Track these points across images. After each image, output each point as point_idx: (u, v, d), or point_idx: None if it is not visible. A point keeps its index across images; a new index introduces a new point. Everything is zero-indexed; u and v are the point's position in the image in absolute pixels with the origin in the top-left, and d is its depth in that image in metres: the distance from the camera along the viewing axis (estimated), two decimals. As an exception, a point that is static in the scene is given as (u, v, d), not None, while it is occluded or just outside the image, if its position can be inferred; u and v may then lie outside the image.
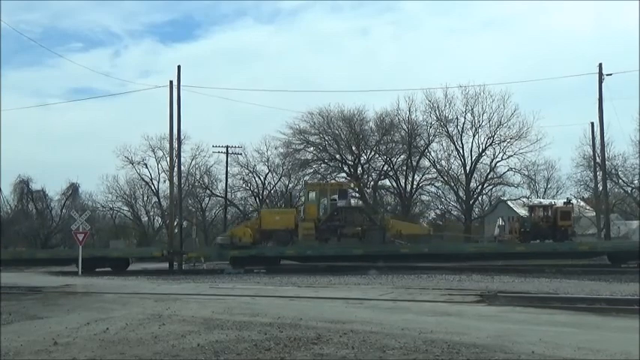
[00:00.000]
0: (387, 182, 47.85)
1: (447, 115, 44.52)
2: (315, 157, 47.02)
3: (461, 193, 45.02)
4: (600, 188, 38.36)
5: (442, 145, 45.56)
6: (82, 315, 10.82)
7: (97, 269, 28.75)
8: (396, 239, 30.07)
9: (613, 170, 41.80)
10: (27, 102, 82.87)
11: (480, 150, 44.45)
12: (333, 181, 40.12)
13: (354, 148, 46.23)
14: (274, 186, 49.49)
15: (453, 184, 45.34)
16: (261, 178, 49.26)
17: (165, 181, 45.18)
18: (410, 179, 45.88)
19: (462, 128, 44.54)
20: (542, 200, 42.79)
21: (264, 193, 49.39)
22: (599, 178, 38.32)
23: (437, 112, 44.50)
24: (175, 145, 34.82)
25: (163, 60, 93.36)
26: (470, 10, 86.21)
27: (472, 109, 44.12)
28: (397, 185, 46.66)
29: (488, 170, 44.92)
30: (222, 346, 7.57)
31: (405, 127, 45.37)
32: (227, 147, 49.06)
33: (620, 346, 7.28)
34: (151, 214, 53.20)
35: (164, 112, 33.52)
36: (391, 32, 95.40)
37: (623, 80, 57.26)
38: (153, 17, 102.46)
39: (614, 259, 29.17)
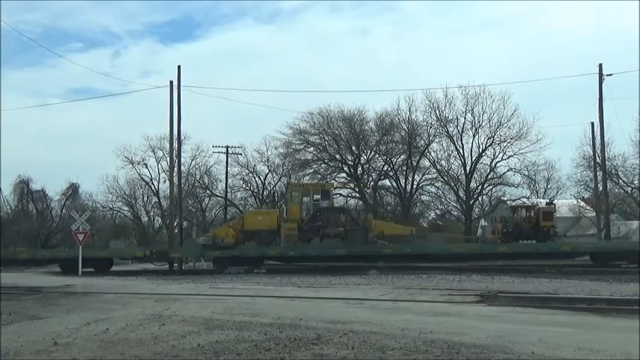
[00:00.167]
0: (387, 182, 47.87)
1: (447, 115, 44.54)
2: (315, 157, 47.02)
3: (461, 194, 45.01)
4: (600, 188, 38.35)
5: (442, 145, 45.59)
6: (82, 315, 10.83)
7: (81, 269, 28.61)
8: (378, 240, 30.16)
9: (613, 170, 41.78)
10: (27, 102, 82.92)
11: (480, 150, 44.47)
12: (315, 182, 40.11)
13: (354, 148, 46.23)
14: (274, 186, 49.50)
15: (453, 184, 45.33)
16: (261, 178, 49.28)
17: (165, 181, 45.16)
18: (410, 179, 45.88)
19: (462, 128, 44.56)
20: (525, 200, 42.92)
21: (264, 193, 49.38)
22: (599, 178, 38.31)
23: (437, 112, 44.53)
24: (175, 145, 34.81)
25: (163, 60, 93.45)
26: (470, 10, 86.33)
27: (472, 109, 44.14)
28: (397, 185, 46.66)
29: (489, 170, 44.94)
30: (222, 346, 7.57)
31: (405, 127, 45.39)
32: (227, 147, 49.04)
33: (620, 347, 7.28)
34: (151, 214, 53.17)
35: (164, 112, 33.52)
36: (391, 32, 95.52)
37: (623, 80, 57.25)
38: (153, 17, 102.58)
39: (596, 259, 29.34)
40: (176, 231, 35.55)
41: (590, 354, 6.97)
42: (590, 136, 39.96)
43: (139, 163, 48.63)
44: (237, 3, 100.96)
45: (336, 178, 47.48)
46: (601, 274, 22.59)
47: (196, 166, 49.93)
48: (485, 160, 44.80)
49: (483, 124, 44.14)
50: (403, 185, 46.16)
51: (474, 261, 28.83)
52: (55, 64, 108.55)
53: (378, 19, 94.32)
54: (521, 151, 43.64)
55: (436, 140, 45.54)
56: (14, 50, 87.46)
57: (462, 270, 24.87)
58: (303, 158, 46.77)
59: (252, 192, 49.95)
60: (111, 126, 75.76)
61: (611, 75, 34.38)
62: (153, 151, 47.85)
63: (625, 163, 42.60)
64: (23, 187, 49.56)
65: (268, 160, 48.76)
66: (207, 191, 50.99)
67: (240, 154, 49.44)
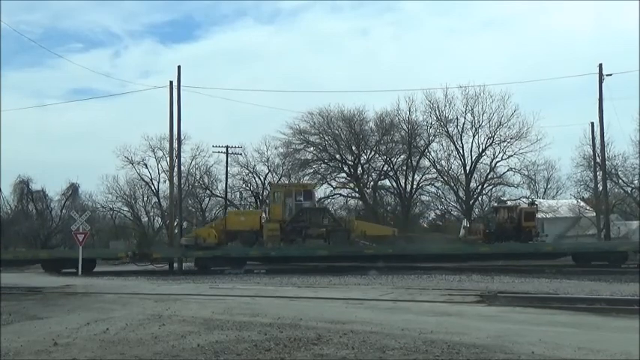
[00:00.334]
0: (387, 182, 47.88)
1: (447, 115, 44.56)
2: (315, 157, 47.03)
3: (461, 194, 45.02)
4: (600, 188, 38.35)
5: (442, 145, 45.59)
6: (82, 315, 10.82)
7: (63, 270, 28.36)
8: (360, 240, 30.15)
9: (613, 170, 41.75)
10: (27, 102, 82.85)
11: (480, 150, 44.48)
12: (298, 182, 40.12)
13: (354, 148, 46.24)
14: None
15: (453, 184, 45.34)
16: (261, 178, 49.27)
17: (165, 182, 45.14)
18: (410, 179, 45.88)
19: (462, 128, 44.58)
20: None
21: (264, 193, 49.37)
22: (599, 178, 38.31)
23: (437, 112, 44.53)
24: (175, 145, 34.82)
25: (163, 60, 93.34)
26: (470, 10, 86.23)
27: (472, 109, 44.15)
28: (397, 185, 46.66)
29: (488, 170, 44.95)
30: (222, 346, 7.57)
31: (405, 127, 45.40)
32: (227, 147, 49.01)
33: (620, 347, 7.28)
34: (151, 214, 53.13)
35: (164, 112, 33.52)
36: (391, 32, 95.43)
37: (623, 80, 57.16)
38: (153, 18, 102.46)
39: (578, 259, 29.40)
40: (176, 231, 35.52)
41: (590, 354, 6.97)
42: (590, 136, 39.96)
43: (138, 163, 48.66)
44: (237, 3, 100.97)
45: (336, 178, 47.53)
46: (601, 274, 22.60)
47: (196, 166, 49.97)
48: (485, 160, 44.83)
49: (483, 124, 44.17)
50: (403, 185, 46.17)
51: (455, 262, 28.86)
52: (55, 65, 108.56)
53: (378, 19, 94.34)
54: (521, 151, 43.68)
55: (436, 140, 45.58)
56: (14, 51, 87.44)
57: (462, 270, 24.88)
58: (303, 158, 46.79)
59: (252, 192, 49.95)
60: (111, 126, 75.75)
61: (611, 75, 34.41)
62: (153, 151, 47.87)
63: (625, 163, 42.60)
64: (23, 187, 49.53)
65: (268, 160, 48.80)
66: (207, 191, 51.01)
67: (240, 154, 49.47)
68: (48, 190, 50.46)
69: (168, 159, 37.26)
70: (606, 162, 37.91)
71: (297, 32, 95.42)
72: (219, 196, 50.79)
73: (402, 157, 45.88)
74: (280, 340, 7.87)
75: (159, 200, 49.21)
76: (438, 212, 50.27)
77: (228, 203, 49.40)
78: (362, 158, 46.63)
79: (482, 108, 43.98)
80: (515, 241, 30.72)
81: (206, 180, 50.69)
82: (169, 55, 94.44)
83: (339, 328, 8.73)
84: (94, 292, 16.20)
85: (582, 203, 46.29)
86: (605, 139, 36.44)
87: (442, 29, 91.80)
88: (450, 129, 44.69)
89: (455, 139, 44.70)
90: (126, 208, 52.03)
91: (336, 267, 28.31)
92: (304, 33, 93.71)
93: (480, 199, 47.29)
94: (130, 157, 48.14)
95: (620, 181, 43.11)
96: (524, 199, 45.38)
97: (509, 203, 39.42)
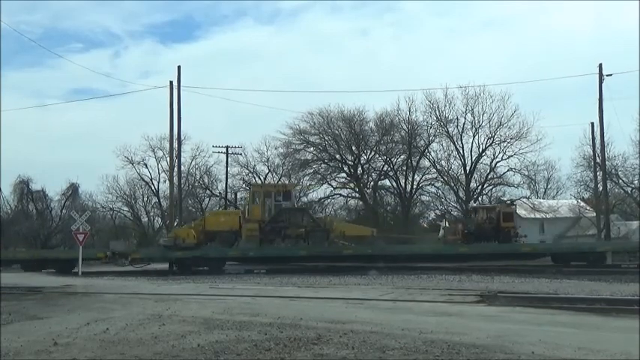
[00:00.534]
0: (387, 182, 47.92)
1: (447, 115, 44.63)
2: (315, 157, 47.08)
3: (461, 194, 45.05)
4: (600, 188, 38.37)
5: (442, 145, 45.70)
6: (82, 315, 10.82)
7: (42, 270, 28.30)
8: (339, 240, 30.17)
9: (613, 170, 41.82)
10: (27, 102, 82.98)
11: (480, 150, 44.55)
12: (277, 183, 40.09)
13: (354, 148, 46.28)
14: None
15: (453, 185, 45.37)
16: (261, 178, 49.28)
17: (165, 181, 45.25)
18: (410, 179, 45.92)
19: (462, 128, 44.65)
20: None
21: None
22: (599, 178, 38.34)
23: (437, 112, 44.63)
24: (175, 145, 34.87)
25: (163, 60, 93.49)
26: (470, 11, 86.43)
27: (472, 109, 44.27)
28: (397, 185, 46.71)
29: (489, 170, 44.99)
30: (222, 346, 7.56)
31: (405, 127, 45.48)
32: (227, 147, 49.08)
33: (620, 347, 7.28)
34: (151, 214, 53.24)
35: (164, 112, 33.59)
36: (391, 33, 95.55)
37: (623, 80, 57.32)
38: (153, 18, 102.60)
39: (557, 260, 29.48)
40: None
41: (590, 354, 6.96)
42: (590, 136, 40.05)
43: (138, 163, 48.77)
44: (237, 3, 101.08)
45: (336, 178, 47.58)
46: (601, 274, 22.60)
47: (196, 166, 50.07)
48: (485, 160, 44.94)
49: (483, 124, 44.28)
50: (403, 185, 46.19)
51: (434, 262, 28.86)
52: (56, 65, 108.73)
53: (378, 19, 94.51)
54: (521, 151, 43.80)
55: (436, 140, 45.68)
56: (15, 51, 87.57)
57: (461, 270, 24.88)
58: (303, 158, 46.85)
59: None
60: (111, 126, 75.93)
61: (611, 75, 34.49)
62: (153, 151, 47.99)
63: (625, 163, 42.73)
64: (23, 187, 49.56)
65: (268, 160, 48.87)
66: (207, 191, 51.02)
67: (240, 154, 49.53)
68: (48, 190, 50.62)
69: (168, 159, 37.33)
70: (606, 162, 37.96)
71: (297, 32, 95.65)
72: (219, 196, 50.84)
73: (402, 157, 45.96)
74: (280, 340, 7.87)
75: (159, 200, 49.28)
76: (437, 212, 50.40)
77: (228, 203, 49.44)
78: (362, 158, 46.70)
79: (483, 108, 44.12)
80: (494, 242, 30.96)
81: (206, 180, 50.80)
82: (169, 55, 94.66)
83: (339, 328, 8.72)
84: (94, 292, 16.19)
85: (582, 203, 46.37)
86: (605, 139, 36.54)
87: (442, 29, 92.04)
88: (450, 129, 44.82)
89: (455, 139, 44.81)
90: (126, 208, 52.16)
91: (345, 267, 28.20)
92: (304, 33, 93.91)
93: (480, 199, 47.38)
94: (130, 157, 48.30)
95: (620, 181, 43.19)
96: (524, 199, 45.49)
97: (487, 204, 39.64)
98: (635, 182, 42.64)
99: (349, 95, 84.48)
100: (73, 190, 50.45)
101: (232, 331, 8.76)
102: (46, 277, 25.00)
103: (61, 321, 10.19)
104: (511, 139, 43.76)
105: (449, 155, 45.37)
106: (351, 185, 47.17)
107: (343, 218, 44.72)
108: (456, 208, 46.89)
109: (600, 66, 34.64)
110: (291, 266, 30.04)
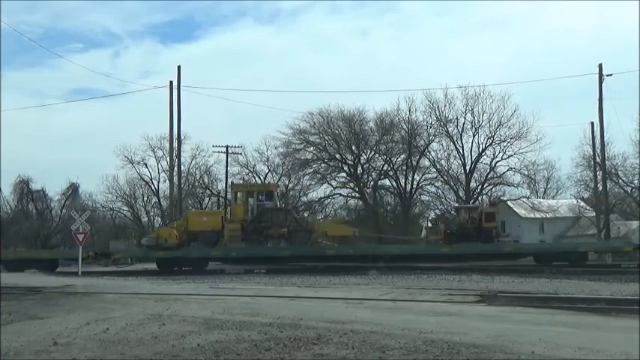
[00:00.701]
0: (387, 182, 47.94)
1: (447, 115, 44.67)
2: (315, 157, 47.09)
3: (461, 193, 45.08)
4: (600, 188, 38.38)
5: (442, 145, 45.75)
6: (82, 315, 10.81)
7: (25, 270, 28.17)
8: (322, 240, 30.11)
9: (613, 170, 41.84)
10: (27, 102, 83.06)
11: (480, 150, 44.58)
12: (259, 183, 40.06)
13: (354, 148, 46.30)
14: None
15: (453, 184, 45.39)
16: (261, 178, 49.30)
17: (165, 181, 45.28)
18: (410, 179, 45.95)
19: (462, 128, 44.68)
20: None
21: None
22: (599, 178, 38.35)
23: (437, 112, 44.68)
24: (175, 145, 34.92)
25: (163, 60, 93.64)
26: (470, 11, 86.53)
27: (472, 109, 44.32)
28: (397, 185, 46.73)
29: (488, 170, 45.01)
30: (222, 346, 7.56)
31: (405, 127, 45.52)
32: (227, 147, 49.11)
33: (621, 347, 7.27)
34: (151, 214, 53.27)
35: (164, 112, 33.64)
36: (391, 33, 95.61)
37: (623, 80, 57.37)
38: (153, 18, 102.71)
39: (540, 260, 29.53)
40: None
41: (590, 354, 6.96)
42: (590, 136, 40.09)
43: (138, 163, 48.80)
44: (237, 3, 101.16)
45: (336, 178, 47.59)
46: (601, 274, 22.60)
47: (196, 166, 50.13)
48: (485, 159, 44.98)
49: (483, 124, 44.31)
50: (403, 185, 46.21)
51: (416, 262, 28.87)
52: (56, 65, 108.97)
53: (378, 19, 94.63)
54: (521, 151, 43.86)
55: (436, 140, 45.71)
56: (15, 51, 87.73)
57: (461, 270, 24.88)
58: (303, 158, 46.88)
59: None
60: (111, 126, 76.04)
61: (611, 75, 34.55)
62: (153, 151, 48.04)
63: (625, 163, 42.77)
64: (23, 187, 49.59)
65: (268, 159, 48.91)
66: (207, 191, 51.04)
67: (240, 153, 49.57)
68: (48, 190, 50.69)
69: (168, 159, 37.35)
70: (606, 162, 38.00)
71: (297, 32, 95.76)
72: (219, 196, 50.87)
73: (402, 157, 45.98)
74: (280, 340, 7.86)
75: (159, 200, 49.30)
76: (437, 212, 50.42)
77: (228, 203, 49.46)
78: (362, 158, 46.69)
79: (482, 108, 44.18)
80: (477, 242, 30.93)
81: (206, 180, 50.82)
82: (169, 55, 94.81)
83: (339, 328, 8.72)
84: (94, 292, 16.18)
85: (582, 203, 46.38)
86: (605, 139, 36.60)
87: (442, 29, 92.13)
88: (450, 129, 44.84)
89: (455, 139, 44.83)
90: (126, 208, 52.22)
91: (345, 267, 28.17)
92: (304, 33, 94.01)
93: (480, 198, 47.41)
94: (130, 157, 48.37)
95: (620, 181, 43.21)
96: (523, 199, 45.51)
97: (470, 204, 39.68)
98: (635, 182, 42.67)
99: (349, 95, 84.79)
100: (73, 189, 50.50)
101: (232, 331, 8.75)
102: (46, 277, 24.98)
103: (61, 321, 10.19)
104: (511, 138, 43.88)
105: (449, 155, 45.49)
106: (351, 185, 47.18)
107: (343, 218, 44.74)
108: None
109: (600, 66, 34.68)
110: (291, 266, 30.05)
